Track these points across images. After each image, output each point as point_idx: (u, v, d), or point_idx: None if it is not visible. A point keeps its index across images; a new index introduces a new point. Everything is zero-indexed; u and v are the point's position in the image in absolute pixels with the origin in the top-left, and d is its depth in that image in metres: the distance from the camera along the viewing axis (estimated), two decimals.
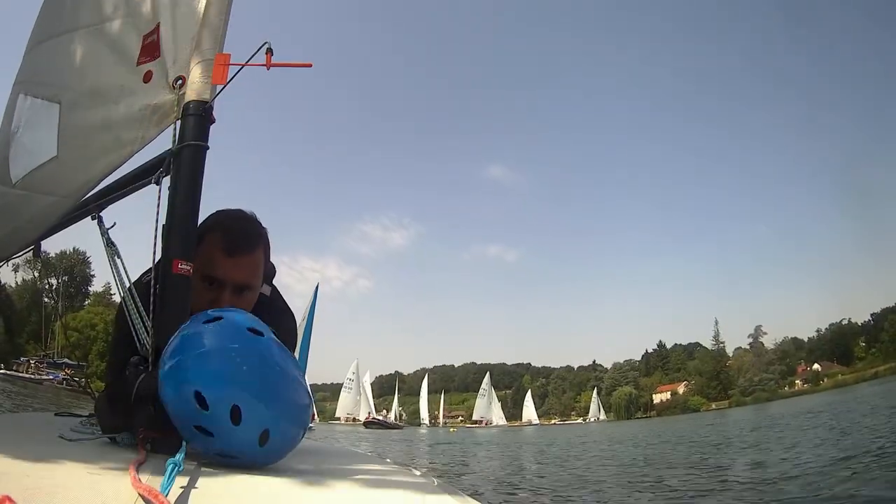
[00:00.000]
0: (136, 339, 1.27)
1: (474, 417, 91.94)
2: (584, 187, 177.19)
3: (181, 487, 0.82)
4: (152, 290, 1.26)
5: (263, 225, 1.52)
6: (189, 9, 1.53)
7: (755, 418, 30.28)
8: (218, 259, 1.39)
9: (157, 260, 1.29)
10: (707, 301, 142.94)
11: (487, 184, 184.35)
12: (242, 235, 1.43)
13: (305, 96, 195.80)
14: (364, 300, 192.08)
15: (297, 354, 1.41)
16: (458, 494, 1.16)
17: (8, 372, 36.65)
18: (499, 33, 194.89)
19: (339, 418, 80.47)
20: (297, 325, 1.70)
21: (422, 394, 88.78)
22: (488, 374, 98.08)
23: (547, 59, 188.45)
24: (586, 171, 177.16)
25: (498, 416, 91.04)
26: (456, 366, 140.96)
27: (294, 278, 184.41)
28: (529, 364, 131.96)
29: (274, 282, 1.64)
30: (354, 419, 77.41)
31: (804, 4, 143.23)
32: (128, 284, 1.36)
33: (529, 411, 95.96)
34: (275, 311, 1.54)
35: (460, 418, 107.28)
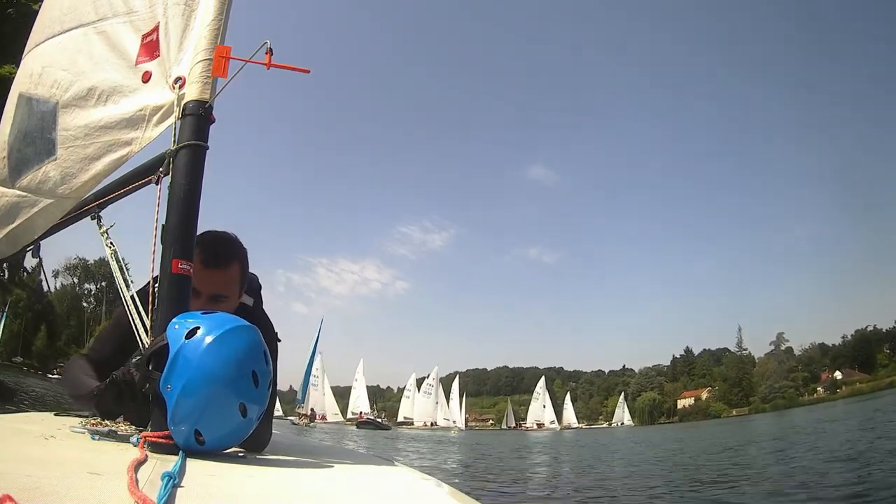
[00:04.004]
0: (136, 337, 1.30)
1: (528, 421, 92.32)
2: (623, 189, 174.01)
3: (177, 486, 0.82)
4: (151, 289, 1.28)
5: (244, 246, 1.67)
6: (189, 9, 1.53)
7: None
8: (196, 271, 1.46)
9: (156, 260, 1.30)
10: (742, 306, 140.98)
11: (529, 185, 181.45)
12: (216, 252, 1.55)
13: (341, 98, 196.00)
14: (401, 302, 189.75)
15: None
16: (458, 493, 1.15)
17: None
18: (542, 32, 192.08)
19: (409, 420, 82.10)
20: (277, 341, 1.80)
21: (452, 396, 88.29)
22: (543, 378, 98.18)
23: (591, 57, 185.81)
24: (625, 173, 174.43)
25: (550, 420, 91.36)
26: (489, 369, 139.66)
27: (332, 280, 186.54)
28: (561, 368, 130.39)
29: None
30: (433, 423, 78.76)
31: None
32: (127, 284, 1.37)
33: (569, 414, 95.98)
34: (256, 321, 1.68)
35: (490, 422, 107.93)
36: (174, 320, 1.16)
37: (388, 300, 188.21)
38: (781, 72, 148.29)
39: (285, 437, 2.45)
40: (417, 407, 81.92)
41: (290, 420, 56.67)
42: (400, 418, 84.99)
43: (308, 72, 1.44)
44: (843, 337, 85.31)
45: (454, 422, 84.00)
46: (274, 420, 1.64)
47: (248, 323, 1.19)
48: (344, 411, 74.58)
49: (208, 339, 1.09)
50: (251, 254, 1.67)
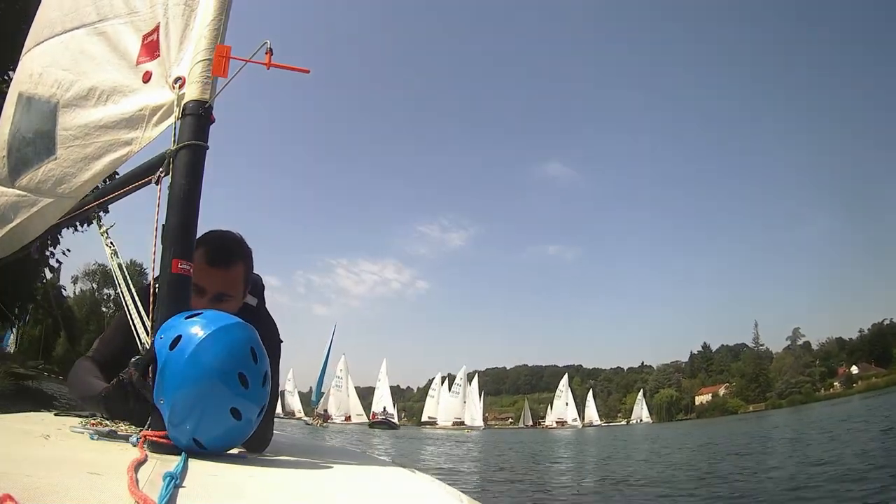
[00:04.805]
0: (136, 338, 1.30)
1: (550, 419, 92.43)
2: (641, 186, 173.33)
3: (178, 486, 0.81)
4: (151, 289, 1.28)
5: (249, 246, 1.68)
6: (189, 9, 1.53)
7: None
8: (201, 269, 1.47)
9: (156, 260, 1.30)
10: (759, 301, 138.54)
11: (546, 182, 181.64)
12: (222, 251, 1.56)
13: (353, 98, 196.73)
14: (421, 302, 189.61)
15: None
16: (460, 494, 1.13)
17: None
18: (553, 29, 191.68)
19: (433, 420, 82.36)
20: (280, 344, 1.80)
21: (472, 396, 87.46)
22: (566, 375, 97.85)
23: (608, 54, 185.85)
24: (643, 170, 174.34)
25: (572, 417, 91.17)
26: (508, 368, 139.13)
27: (352, 280, 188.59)
28: (580, 366, 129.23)
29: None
30: (461, 422, 79.02)
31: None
32: (128, 283, 1.38)
33: (591, 411, 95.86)
34: (259, 321, 1.66)
35: (510, 420, 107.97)
36: (160, 330, 1.15)
37: (407, 300, 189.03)
38: (783, 74, 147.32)
39: (287, 437, 2.45)
40: (443, 406, 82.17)
41: (305, 420, 57.28)
42: (424, 418, 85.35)
43: (308, 72, 1.43)
44: (859, 331, 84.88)
45: (472, 420, 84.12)
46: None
47: (231, 321, 1.15)
48: (367, 411, 74.98)
49: (189, 349, 1.08)
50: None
